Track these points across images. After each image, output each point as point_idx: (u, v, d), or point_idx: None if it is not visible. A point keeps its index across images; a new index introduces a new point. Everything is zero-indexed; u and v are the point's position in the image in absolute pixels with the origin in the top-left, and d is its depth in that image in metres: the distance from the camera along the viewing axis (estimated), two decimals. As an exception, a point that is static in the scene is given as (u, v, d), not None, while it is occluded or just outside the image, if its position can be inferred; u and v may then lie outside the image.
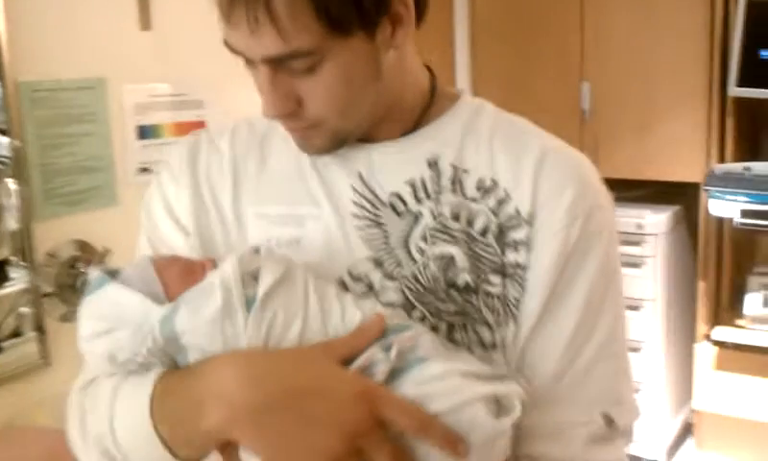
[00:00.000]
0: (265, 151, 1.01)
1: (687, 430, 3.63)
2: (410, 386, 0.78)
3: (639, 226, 3.28)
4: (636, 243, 3.28)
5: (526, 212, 0.91)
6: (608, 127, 3.43)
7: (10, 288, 2.02)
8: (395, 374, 0.79)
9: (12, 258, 2.01)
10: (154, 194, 1.04)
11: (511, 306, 0.91)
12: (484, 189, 0.92)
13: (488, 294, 0.91)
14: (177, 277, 0.85)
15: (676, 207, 3.45)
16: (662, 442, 3.43)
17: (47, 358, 1.95)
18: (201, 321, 0.79)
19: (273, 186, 0.98)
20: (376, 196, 0.94)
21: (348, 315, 0.84)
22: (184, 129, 2.23)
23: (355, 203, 0.94)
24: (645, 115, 3.34)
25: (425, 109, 0.97)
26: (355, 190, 0.95)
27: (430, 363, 0.80)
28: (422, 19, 0.91)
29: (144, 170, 2.15)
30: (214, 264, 0.88)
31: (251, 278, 0.83)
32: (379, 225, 0.93)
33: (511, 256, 0.91)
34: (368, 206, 0.94)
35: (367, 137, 0.95)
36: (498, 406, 0.81)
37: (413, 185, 0.94)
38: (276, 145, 1.00)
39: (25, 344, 1.96)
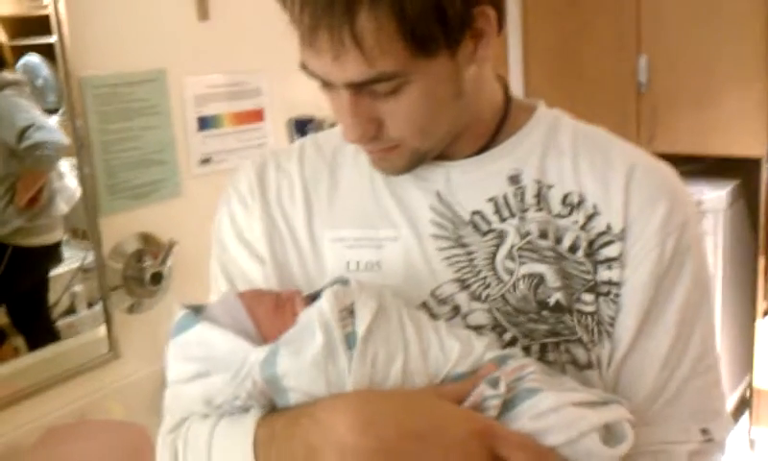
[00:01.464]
0: (335, 172, 0.99)
1: (743, 406, 3.59)
2: (525, 420, 0.77)
3: (699, 202, 3.22)
4: (695, 220, 3.23)
5: (618, 228, 0.88)
6: (665, 100, 3.36)
7: (64, 268, 2.05)
8: (505, 407, 0.77)
9: (64, 237, 2.03)
10: (223, 221, 1.02)
11: (605, 325, 0.89)
12: (571, 205, 0.90)
13: (581, 313, 0.88)
14: (268, 313, 0.84)
15: (734, 182, 3.38)
16: (719, 419, 3.40)
17: (116, 351, 1.97)
18: (303, 363, 0.77)
19: (347, 209, 0.96)
20: (457, 215, 0.92)
21: (447, 346, 0.82)
22: (243, 118, 2.23)
23: (434, 223, 0.92)
24: (704, 88, 3.25)
25: (501, 123, 0.94)
26: (434, 210, 0.92)
27: (541, 394, 0.78)
28: (501, 29, 0.87)
29: (206, 161, 2.15)
30: (301, 296, 0.86)
31: (347, 313, 0.81)
32: (462, 245, 0.91)
33: (604, 274, 0.88)
34: (448, 225, 0.92)
35: (443, 155, 0.92)
36: (608, 432, 0.79)
37: (495, 203, 0.91)
38: (346, 166, 0.98)
39: (94, 336, 1.98)
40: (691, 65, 3.27)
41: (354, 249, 0.94)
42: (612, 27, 3.42)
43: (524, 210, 0.90)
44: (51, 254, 2.05)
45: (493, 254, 0.90)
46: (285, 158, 1.02)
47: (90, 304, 2.02)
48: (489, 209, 0.91)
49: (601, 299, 0.88)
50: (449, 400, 0.78)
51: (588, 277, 0.88)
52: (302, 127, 2.34)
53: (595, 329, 0.89)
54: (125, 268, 1.98)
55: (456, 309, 0.90)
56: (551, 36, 3.60)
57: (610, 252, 0.88)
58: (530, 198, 0.91)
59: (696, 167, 3.44)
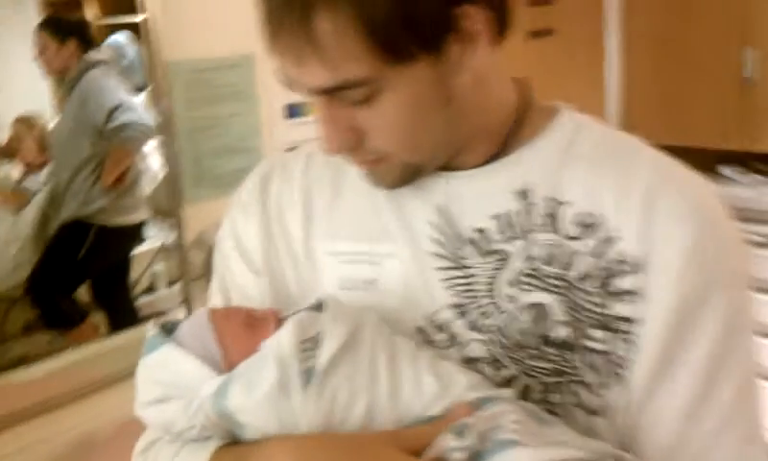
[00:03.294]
0: (339, 180, 0.90)
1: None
2: None
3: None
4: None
5: (635, 256, 0.77)
6: (773, 97, 3.16)
7: (145, 246, 2.11)
8: None
9: (147, 217, 2.08)
10: (225, 229, 0.96)
11: (616, 366, 0.78)
12: (584, 226, 0.79)
13: (589, 351, 0.78)
14: (235, 336, 0.78)
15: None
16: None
17: (196, 342, 1.94)
18: (254, 399, 0.71)
19: (346, 220, 0.88)
20: (457, 232, 0.83)
21: (425, 387, 0.73)
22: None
23: (434, 240, 0.83)
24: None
25: (515, 130, 0.84)
26: (433, 225, 0.83)
27: (516, 449, 0.67)
28: (506, 31, 0.77)
29: (292, 150, 2.09)
30: (276, 317, 0.80)
31: (313, 343, 0.73)
32: (463, 266, 0.82)
33: (617, 308, 0.77)
34: (448, 243, 0.83)
35: (447, 165, 0.83)
36: None
37: (500, 220, 0.81)
38: (351, 174, 0.89)
39: None
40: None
41: (351, 264, 0.87)
42: (717, 16, 3.23)
43: (531, 231, 0.80)
44: (134, 234, 2.10)
45: (494, 279, 0.81)
46: (293, 163, 0.94)
47: (170, 284, 2.05)
48: (492, 227, 0.82)
49: (613, 336, 0.78)
50: (408, 450, 0.69)
51: (600, 311, 0.78)
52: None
53: (604, 371, 0.78)
54: (207, 258, 1.94)
55: (453, 338, 0.82)
56: (653, 22, 3.42)
57: (625, 283, 0.77)
58: (539, 217, 0.80)
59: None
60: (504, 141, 0.84)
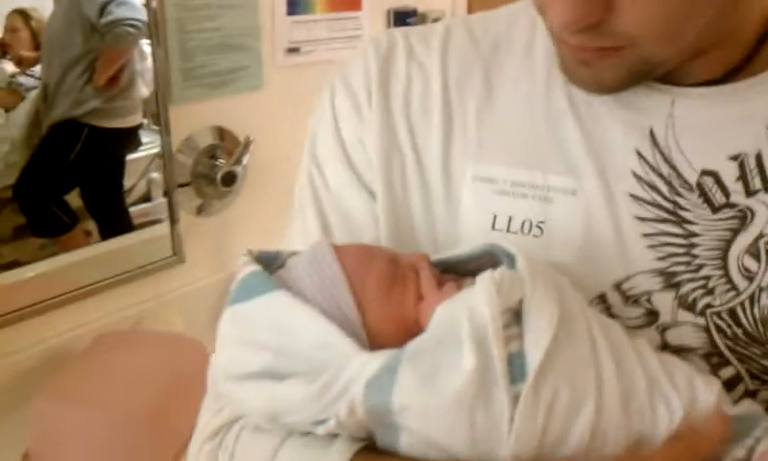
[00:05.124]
0: (493, 78, 0.68)
1: None
2: None
3: None
4: None
5: None
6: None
7: (142, 152, 1.96)
8: None
9: (144, 121, 1.93)
10: (322, 128, 0.72)
11: None
12: None
13: None
14: (379, 289, 0.56)
15: None
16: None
17: (180, 254, 1.82)
18: (439, 398, 0.49)
19: (504, 135, 0.67)
20: (676, 171, 0.62)
21: (666, 397, 0.53)
22: (338, 4, 1.99)
23: (639, 178, 0.63)
24: None
25: (762, 40, 0.62)
26: (642, 158, 0.63)
27: None
28: None
29: (293, 50, 1.93)
30: (430, 266, 0.58)
31: (512, 317, 0.52)
32: (680, 220, 0.62)
33: None
34: (661, 186, 0.62)
35: (669, 77, 0.62)
36: None
37: (743, 164, 0.61)
38: (510, 71, 0.68)
39: (156, 237, 1.85)
40: None
41: (508, 197, 0.65)
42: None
43: None
44: (128, 138, 1.96)
45: (727, 244, 0.61)
46: (422, 45, 0.71)
47: (166, 193, 1.92)
48: (730, 172, 0.61)
49: None
50: None
51: None
52: (403, 20, 2.13)
53: None
54: (195, 164, 1.82)
55: (652, 316, 0.62)
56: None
57: None
58: None
59: None
60: (749, 54, 0.62)
